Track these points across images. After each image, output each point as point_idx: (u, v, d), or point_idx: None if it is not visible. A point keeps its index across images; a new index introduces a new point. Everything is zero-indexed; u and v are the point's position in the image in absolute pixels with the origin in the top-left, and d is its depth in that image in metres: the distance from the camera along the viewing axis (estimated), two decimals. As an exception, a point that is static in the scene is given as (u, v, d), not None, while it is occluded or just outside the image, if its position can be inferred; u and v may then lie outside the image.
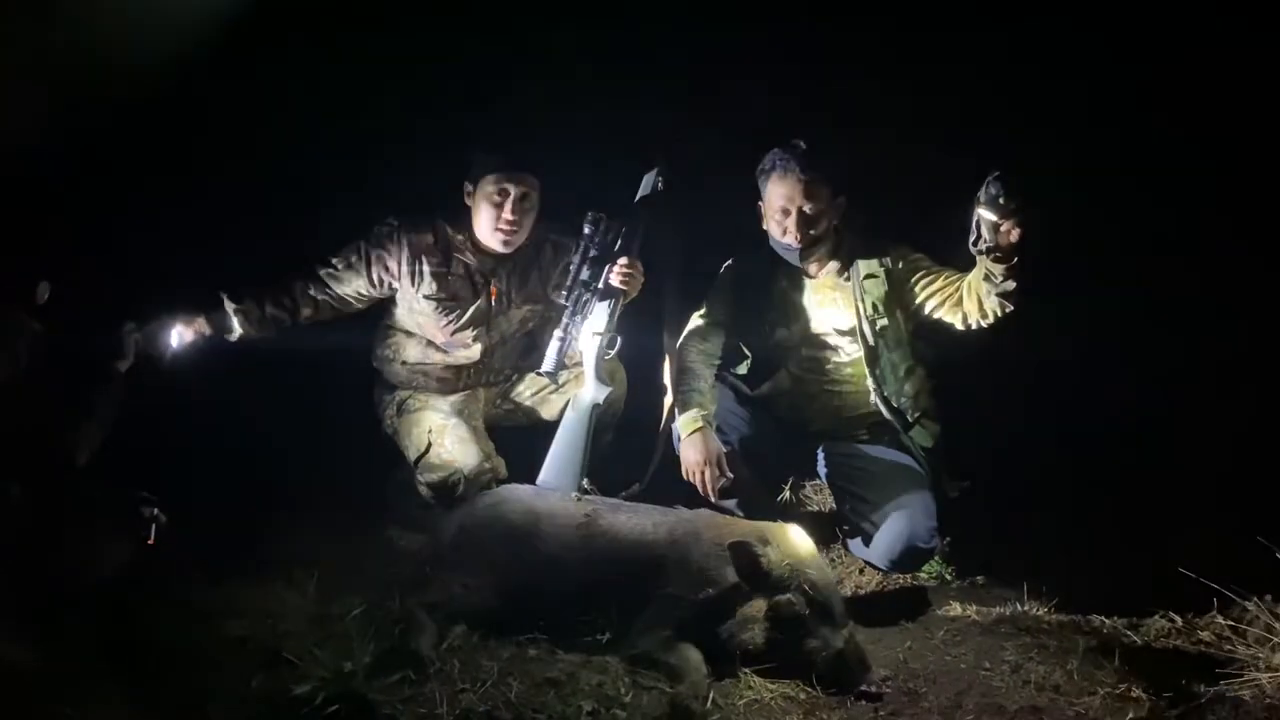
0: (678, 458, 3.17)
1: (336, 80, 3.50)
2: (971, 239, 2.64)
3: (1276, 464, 3.09)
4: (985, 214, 2.57)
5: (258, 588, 2.77)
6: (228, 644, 2.49)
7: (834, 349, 3.14)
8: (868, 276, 3.06)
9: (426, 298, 3.27)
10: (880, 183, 3.36)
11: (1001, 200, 2.55)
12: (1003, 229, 2.58)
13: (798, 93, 3.67)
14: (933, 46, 3.60)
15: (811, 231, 3.00)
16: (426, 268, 3.24)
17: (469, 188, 3.18)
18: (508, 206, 3.12)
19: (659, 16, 3.63)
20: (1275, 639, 2.45)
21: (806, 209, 2.96)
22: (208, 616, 2.59)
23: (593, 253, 3.08)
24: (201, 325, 3.07)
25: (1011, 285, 2.72)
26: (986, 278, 2.75)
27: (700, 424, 3.00)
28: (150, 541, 2.57)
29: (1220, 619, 2.58)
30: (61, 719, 2.13)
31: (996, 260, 2.65)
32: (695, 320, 3.21)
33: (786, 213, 2.99)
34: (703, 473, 2.95)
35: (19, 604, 2.31)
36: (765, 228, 3.11)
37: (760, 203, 3.09)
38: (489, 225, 3.16)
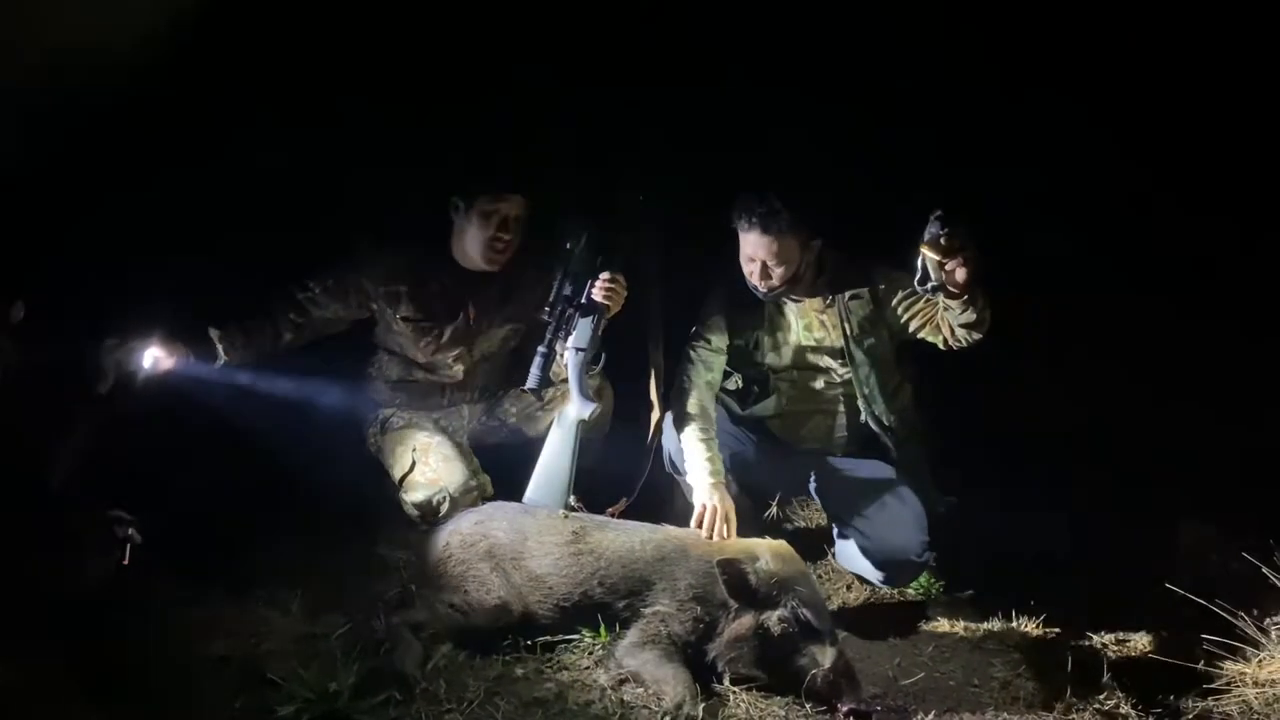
0: (667, 474, 3.16)
1: (319, 97, 3.48)
2: (917, 278, 2.68)
3: (1264, 481, 3.11)
4: (928, 253, 2.62)
5: (241, 607, 2.74)
6: (210, 664, 2.46)
7: (824, 369, 3.14)
8: (853, 297, 3.07)
9: (404, 319, 3.25)
10: (862, 203, 3.38)
11: (943, 239, 2.59)
12: (946, 267, 2.63)
13: (783, 109, 3.68)
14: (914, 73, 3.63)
15: (776, 282, 3.01)
16: (403, 289, 3.23)
17: (459, 204, 3.17)
18: (500, 227, 3.12)
19: (645, 33, 3.64)
20: (1262, 655, 2.47)
21: (771, 263, 2.97)
22: (190, 636, 2.56)
23: (575, 268, 3.07)
24: (186, 354, 3.04)
25: (971, 318, 2.77)
26: (946, 309, 2.80)
27: (719, 478, 2.95)
28: (125, 561, 2.53)
29: (1208, 635, 2.59)
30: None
31: (949, 296, 2.70)
32: (699, 350, 3.16)
33: (754, 261, 3.00)
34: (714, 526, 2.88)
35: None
36: None
37: None
38: (479, 243, 3.15)
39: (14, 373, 2.52)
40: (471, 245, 3.17)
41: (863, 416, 3.12)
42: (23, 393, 2.57)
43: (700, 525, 2.81)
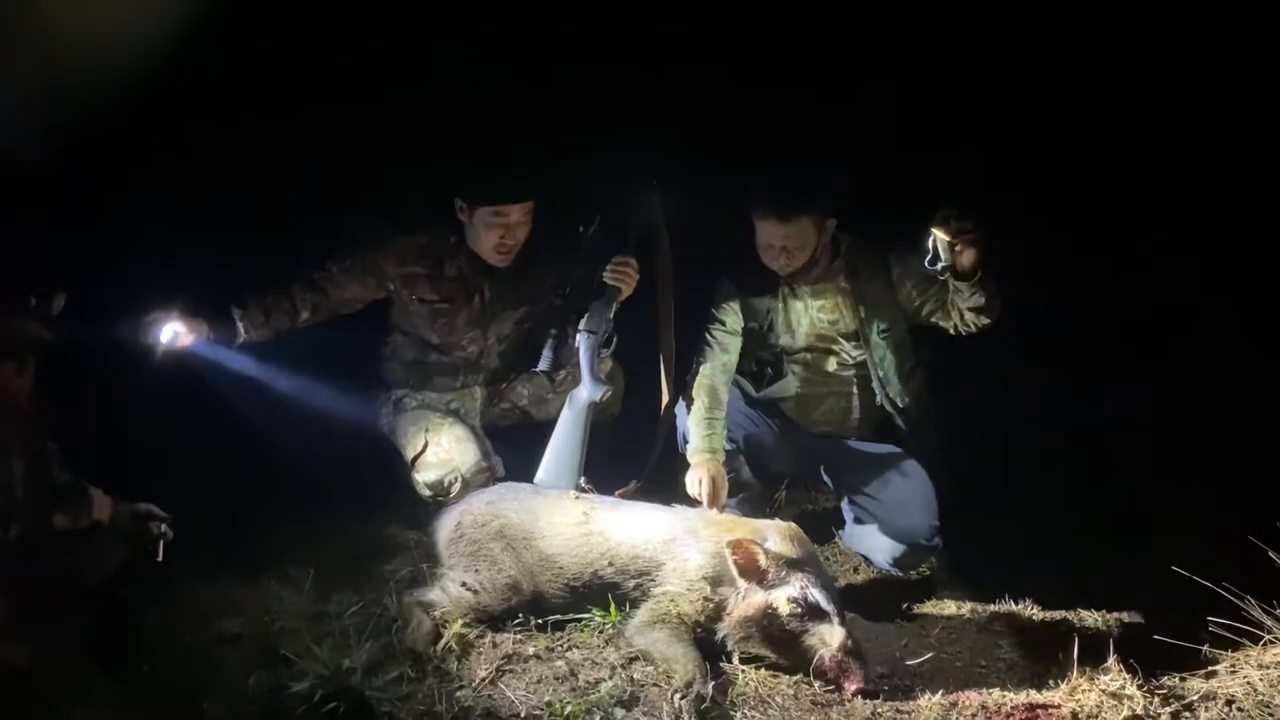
0: (680, 455, 3.18)
1: (333, 85, 3.49)
2: (928, 259, 2.73)
3: (1268, 464, 3.12)
4: (939, 233, 2.66)
5: (254, 585, 2.77)
6: (224, 641, 2.50)
7: (838, 352, 3.15)
8: (867, 280, 3.08)
9: (421, 300, 3.27)
10: (879, 186, 3.38)
11: (954, 221, 2.63)
12: (956, 248, 2.67)
13: (794, 94, 3.67)
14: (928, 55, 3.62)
15: (796, 263, 3.03)
16: (420, 271, 3.24)
17: (462, 206, 3.18)
18: (505, 232, 3.15)
19: (657, 24, 3.64)
20: (1267, 637, 2.47)
21: (789, 245, 2.99)
22: (204, 614, 2.59)
23: (587, 251, 3.09)
24: (206, 331, 3.05)
25: (980, 302, 2.79)
26: (955, 292, 2.82)
27: (712, 455, 2.99)
28: (159, 559, 2.56)
29: (1213, 617, 2.59)
30: (57, 718, 2.14)
31: (957, 278, 2.74)
32: (714, 333, 3.18)
33: (771, 247, 3.01)
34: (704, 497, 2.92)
35: (15, 605, 2.29)
36: None
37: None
38: (487, 247, 3.19)
39: (50, 365, 2.53)
40: (481, 247, 3.20)
41: (878, 399, 3.13)
42: (56, 380, 2.58)
43: (694, 495, 2.88)
